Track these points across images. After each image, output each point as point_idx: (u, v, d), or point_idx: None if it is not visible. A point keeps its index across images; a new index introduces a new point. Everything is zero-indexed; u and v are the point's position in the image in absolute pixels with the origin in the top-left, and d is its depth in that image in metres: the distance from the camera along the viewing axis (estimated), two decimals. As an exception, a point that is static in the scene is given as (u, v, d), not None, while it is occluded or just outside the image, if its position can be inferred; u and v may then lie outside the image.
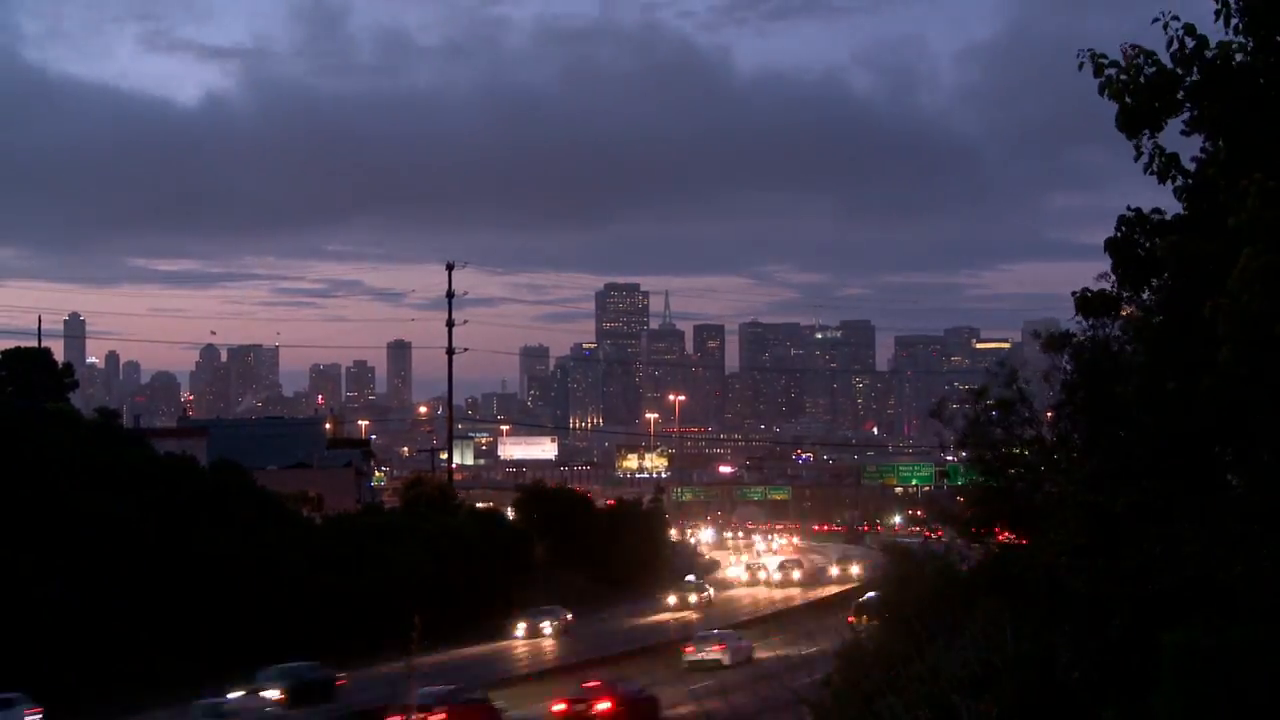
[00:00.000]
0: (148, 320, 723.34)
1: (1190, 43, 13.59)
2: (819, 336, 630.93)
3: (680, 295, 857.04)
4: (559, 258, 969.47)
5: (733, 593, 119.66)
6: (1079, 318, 17.12)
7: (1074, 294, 16.06)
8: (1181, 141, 14.36)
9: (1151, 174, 14.14)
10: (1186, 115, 14.03)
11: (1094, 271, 16.26)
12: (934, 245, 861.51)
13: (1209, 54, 13.60)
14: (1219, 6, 13.48)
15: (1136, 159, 14.14)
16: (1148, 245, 14.71)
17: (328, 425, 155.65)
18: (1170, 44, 13.67)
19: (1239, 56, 13.69)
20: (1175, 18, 13.64)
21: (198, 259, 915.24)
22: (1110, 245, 14.94)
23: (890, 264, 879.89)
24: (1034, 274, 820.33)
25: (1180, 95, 13.79)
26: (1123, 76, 13.84)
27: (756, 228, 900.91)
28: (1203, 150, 14.36)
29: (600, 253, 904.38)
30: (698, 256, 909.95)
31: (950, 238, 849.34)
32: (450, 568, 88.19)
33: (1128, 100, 13.81)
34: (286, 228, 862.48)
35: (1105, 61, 13.96)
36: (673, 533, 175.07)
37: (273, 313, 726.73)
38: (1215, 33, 13.81)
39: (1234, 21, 13.50)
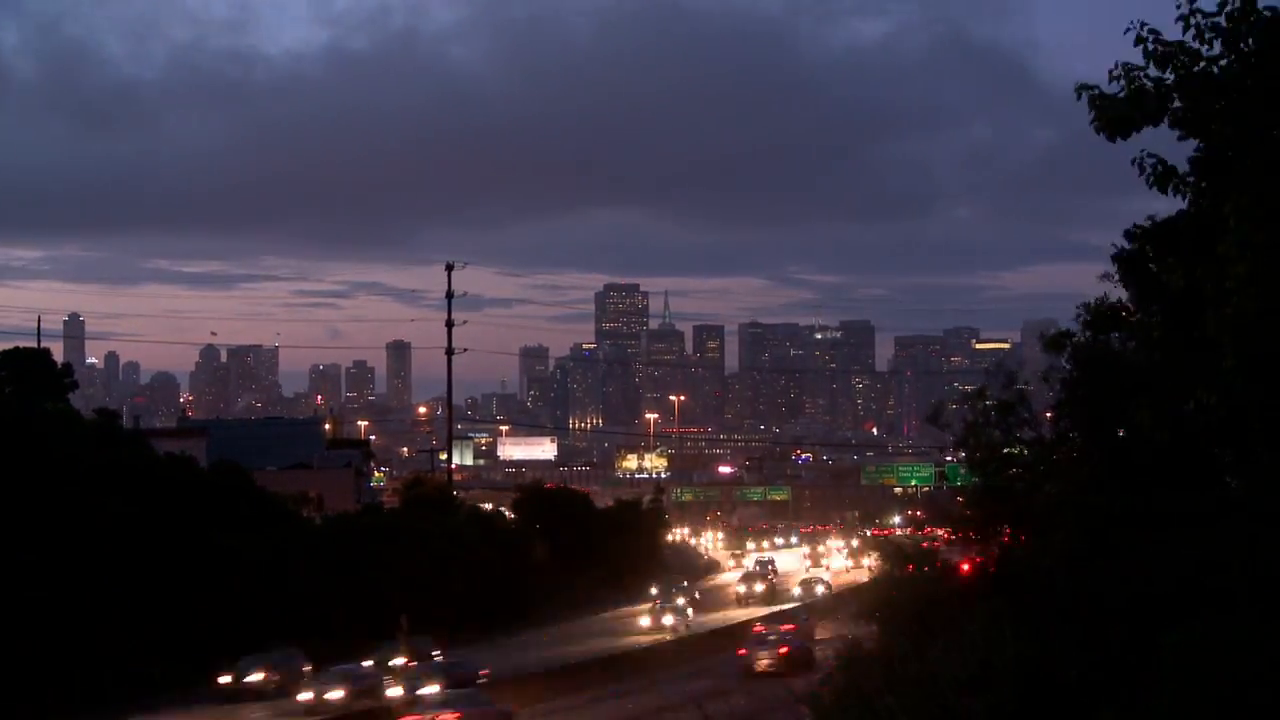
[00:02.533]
0: (165, 321, 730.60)
1: (1163, 48, 13.64)
2: (819, 337, 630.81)
3: (696, 296, 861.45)
4: (571, 257, 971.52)
5: None
6: (1084, 327, 17.13)
7: (1078, 307, 16.10)
8: (1179, 148, 14.39)
9: (1151, 185, 14.15)
10: (1171, 117, 14.06)
11: (1100, 272, 16.24)
12: (954, 245, 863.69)
13: (1183, 58, 13.65)
14: (1185, 25, 13.56)
15: (1140, 175, 14.15)
16: (1154, 258, 14.72)
17: (327, 425, 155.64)
18: (1144, 44, 13.72)
19: (1203, 64, 13.74)
20: (1143, 23, 13.72)
21: (221, 260, 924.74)
22: (1119, 261, 14.95)
23: (910, 264, 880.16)
24: (1054, 275, 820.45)
25: (1159, 95, 13.82)
26: (1102, 98, 13.93)
27: (776, 228, 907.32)
28: (1199, 146, 14.37)
29: (611, 252, 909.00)
30: (714, 257, 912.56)
31: (969, 238, 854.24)
32: (450, 568, 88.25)
33: (1109, 114, 13.88)
34: (314, 228, 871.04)
35: (1095, 93, 14.06)
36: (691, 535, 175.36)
37: (292, 313, 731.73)
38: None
39: (1207, 38, 13.55)
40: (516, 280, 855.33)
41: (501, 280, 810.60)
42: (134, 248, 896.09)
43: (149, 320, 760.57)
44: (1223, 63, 13.60)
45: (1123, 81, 13.84)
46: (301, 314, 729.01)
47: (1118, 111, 13.74)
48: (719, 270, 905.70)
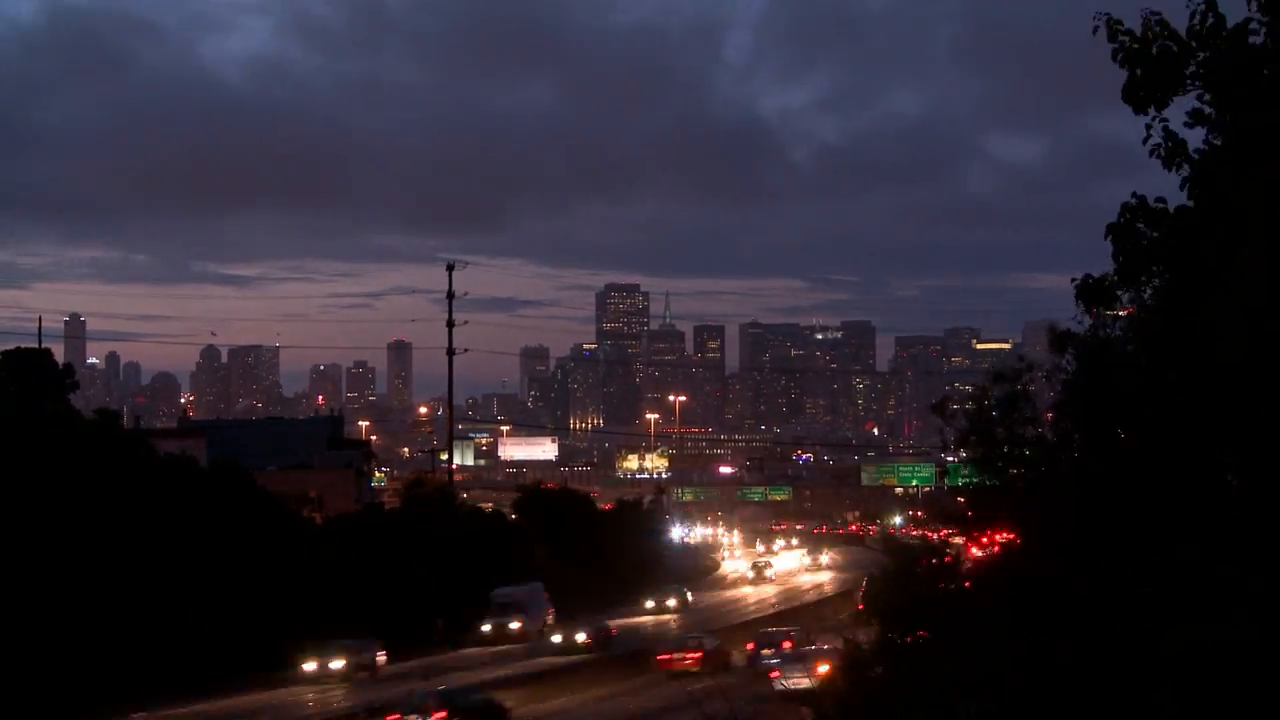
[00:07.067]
0: (196, 323, 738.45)
1: (1210, 19, 13.45)
2: (819, 337, 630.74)
3: (724, 297, 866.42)
4: (600, 255, 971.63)
5: None
6: (1080, 316, 17.03)
7: (1073, 280, 15.94)
8: (1188, 134, 14.24)
9: (1158, 157, 14.01)
10: (1193, 102, 13.92)
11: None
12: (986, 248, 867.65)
13: (1224, 32, 13.48)
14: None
15: (1145, 141, 14.00)
16: (1150, 234, 14.56)
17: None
18: (1193, 17, 13.53)
19: (1255, 39, 13.55)
20: None
21: (261, 261, 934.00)
22: (1112, 231, 14.78)
23: (939, 265, 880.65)
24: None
25: (1189, 73, 13.66)
26: (1135, 45, 13.69)
27: (808, 229, 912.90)
28: (1206, 141, 14.26)
29: (634, 251, 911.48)
30: (743, 258, 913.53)
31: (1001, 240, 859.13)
32: (450, 569, 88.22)
33: (1137, 71, 13.68)
34: (354, 230, 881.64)
35: (1121, 28, 13.83)
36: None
37: (330, 315, 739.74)
38: (1234, 14, 13.68)
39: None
40: (547, 282, 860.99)
41: (532, 280, 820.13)
42: (184, 249, 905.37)
43: (181, 323, 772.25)
44: (1258, 38, 13.45)
45: (1157, 32, 13.61)
46: (335, 314, 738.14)
47: (1148, 82, 13.56)
48: (747, 271, 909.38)
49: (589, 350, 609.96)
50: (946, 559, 24.69)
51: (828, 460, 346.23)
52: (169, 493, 71.18)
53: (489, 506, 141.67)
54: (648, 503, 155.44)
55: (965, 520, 24.47)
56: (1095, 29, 13.87)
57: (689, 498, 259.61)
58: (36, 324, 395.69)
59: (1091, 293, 15.79)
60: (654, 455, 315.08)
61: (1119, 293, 15.66)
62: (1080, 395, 18.01)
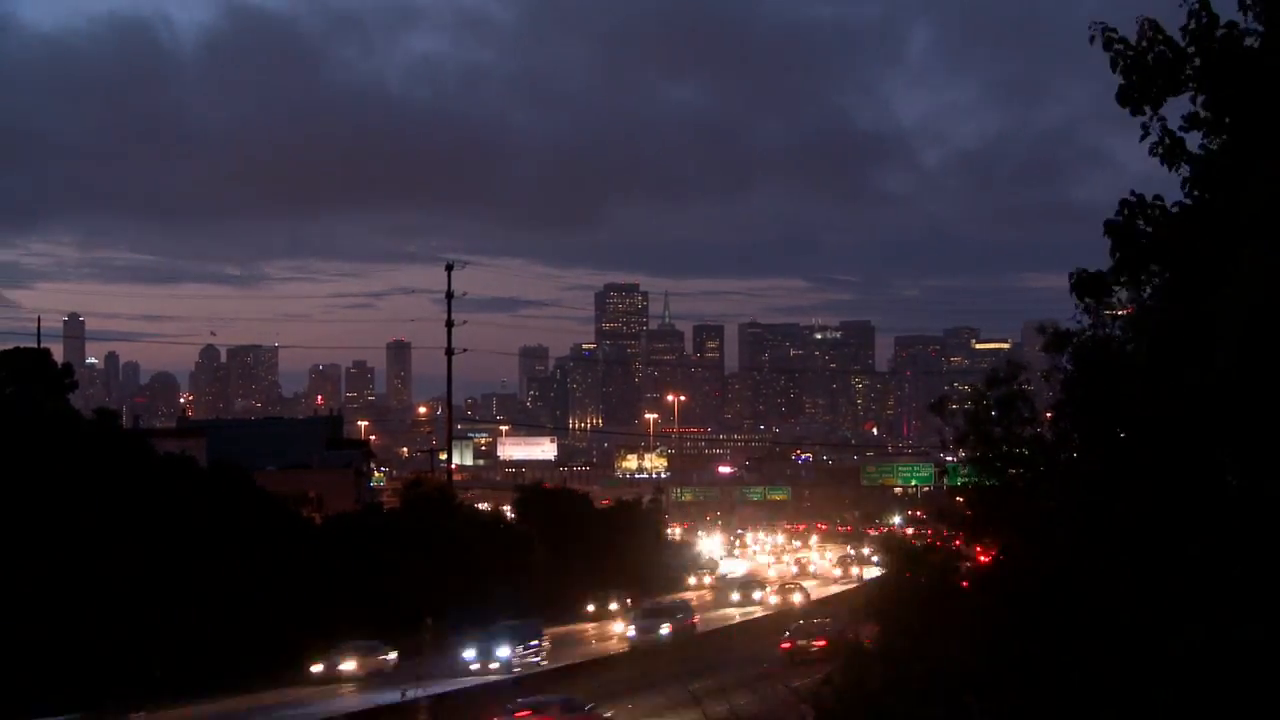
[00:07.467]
0: (199, 324, 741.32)
1: (1204, 18, 13.49)
2: (819, 337, 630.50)
3: (728, 297, 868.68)
4: (607, 256, 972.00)
5: None
6: (1078, 314, 17.03)
7: (1070, 275, 15.94)
8: (1185, 134, 14.26)
9: (1157, 155, 14.03)
10: (1189, 104, 13.96)
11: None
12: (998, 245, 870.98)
13: (1219, 33, 13.52)
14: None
15: (1143, 139, 14.03)
16: (1149, 231, 14.57)
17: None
18: (1189, 18, 13.57)
19: (1249, 41, 13.59)
20: None
21: (265, 261, 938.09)
22: (1110, 228, 14.78)
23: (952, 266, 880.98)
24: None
25: (1186, 74, 13.70)
26: (1130, 52, 13.75)
27: (815, 230, 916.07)
28: (1202, 146, 14.28)
29: (639, 252, 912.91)
30: (748, 258, 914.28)
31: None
32: (450, 569, 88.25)
33: (1134, 78, 13.74)
34: (361, 230, 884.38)
35: (1116, 37, 13.89)
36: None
37: (332, 315, 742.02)
38: (1228, 15, 13.74)
39: (1252, 8, 13.42)
40: (552, 282, 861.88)
41: (539, 281, 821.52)
42: (184, 248, 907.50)
43: (181, 323, 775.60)
44: (1249, 40, 13.46)
45: (1147, 43, 13.67)
46: (336, 315, 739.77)
47: (1143, 86, 13.60)
48: (748, 271, 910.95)
49: (588, 350, 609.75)
50: (945, 552, 24.71)
51: (827, 460, 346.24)
52: (168, 493, 71.18)
53: (488, 506, 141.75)
54: (647, 503, 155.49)
55: (964, 520, 24.49)
56: (1092, 38, 13.93)
57: (688, 498, 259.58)
58: (36, 324, 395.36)
59: (1088, 286, 15.79)
60: (653, 455, 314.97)
61: (1115, 288, 15.66)
62: (1078, 395, 18.02)
